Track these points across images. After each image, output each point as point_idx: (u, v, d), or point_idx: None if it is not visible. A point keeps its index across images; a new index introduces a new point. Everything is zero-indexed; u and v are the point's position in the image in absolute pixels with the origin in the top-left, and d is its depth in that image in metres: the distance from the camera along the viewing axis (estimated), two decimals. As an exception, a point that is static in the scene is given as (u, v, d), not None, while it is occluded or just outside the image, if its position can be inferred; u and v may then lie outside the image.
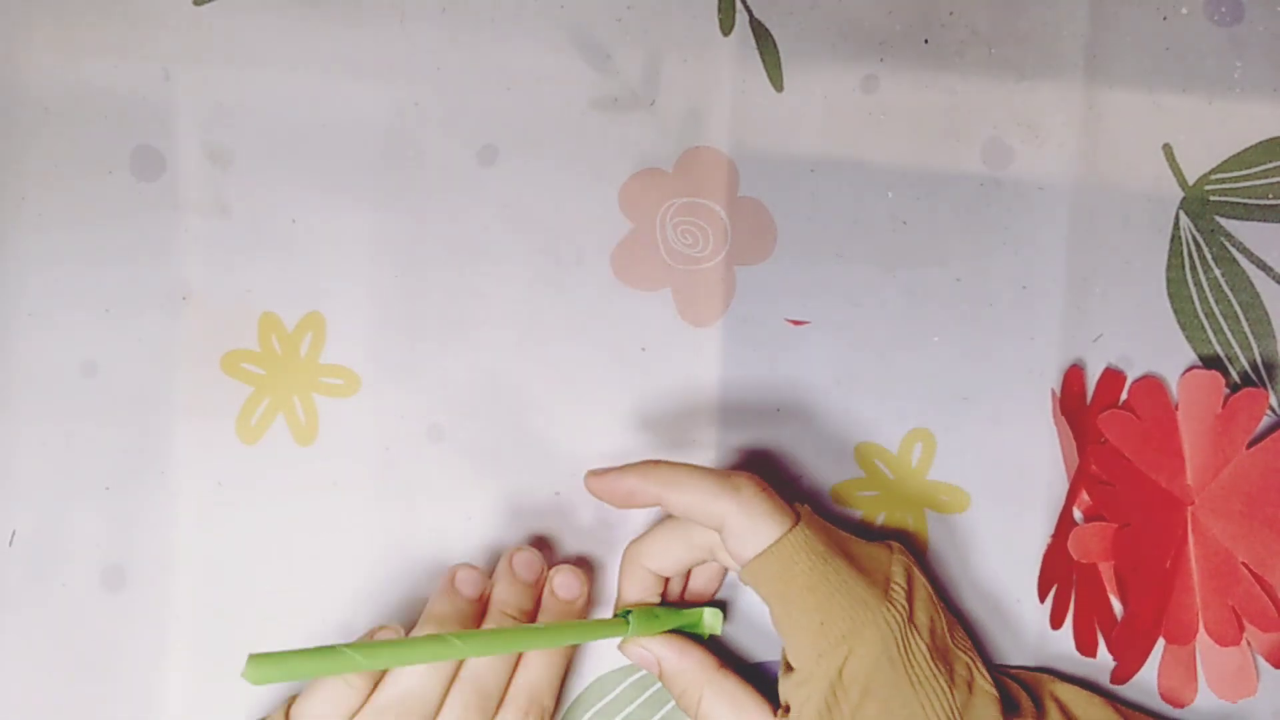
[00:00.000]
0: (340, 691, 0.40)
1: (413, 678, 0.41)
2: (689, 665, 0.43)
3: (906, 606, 0.41)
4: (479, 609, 0.43)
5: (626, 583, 0.45)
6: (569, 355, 0.47)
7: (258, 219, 0.47)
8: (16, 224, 0.47)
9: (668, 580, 0.45)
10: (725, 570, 0.46)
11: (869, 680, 0.40)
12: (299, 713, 0.41)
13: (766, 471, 0.47)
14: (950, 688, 0.41)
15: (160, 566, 0.47)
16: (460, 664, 0.42)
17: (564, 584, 0.44)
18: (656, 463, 0.42)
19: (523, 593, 0.43)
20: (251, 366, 0.47)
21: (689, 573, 0.46)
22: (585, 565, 0.47)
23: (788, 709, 0.41)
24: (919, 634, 0.41)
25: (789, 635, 0.41)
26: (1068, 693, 0.44)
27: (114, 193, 0.47)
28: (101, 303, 0.47)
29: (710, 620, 0.46)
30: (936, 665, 0.41)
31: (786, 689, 0.41)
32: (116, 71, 0.46)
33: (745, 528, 0.41)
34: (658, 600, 0.45)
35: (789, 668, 0.42)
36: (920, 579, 0.43)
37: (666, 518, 0.44)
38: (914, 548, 0.47)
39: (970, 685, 0.41)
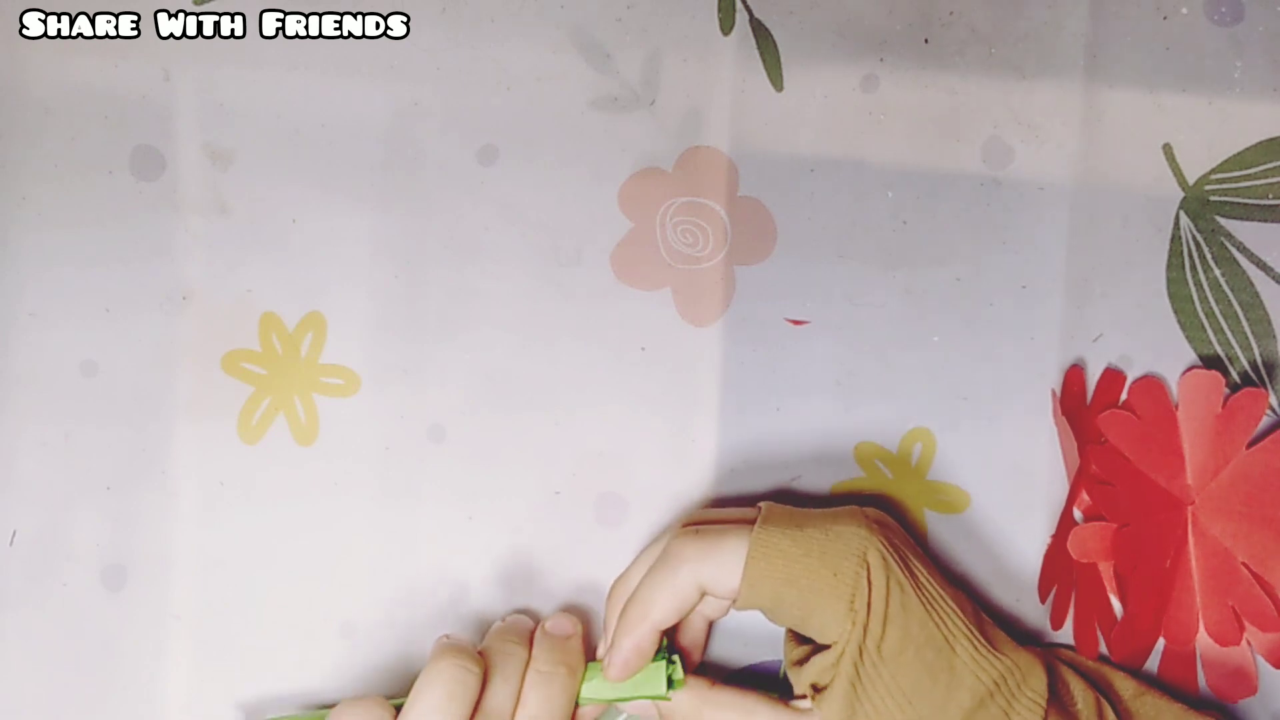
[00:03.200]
0: None
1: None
2: (682, 696, 0.43)
3: (889, 540, 0.42)
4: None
5: (626, 642, 0.43)
6: (569, 355, 0.47)
7: (258, 219, 0.47)
8: (16, 224, 0.47)
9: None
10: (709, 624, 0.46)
11: (887, 605, 0.40)
12: None
13: (767, 471, 0.47)
14: (959, 610, 0.41)
15: (160, 566, 0.47)
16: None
17: (556, 623, 0.44)
18: (623, 608, 0.42)
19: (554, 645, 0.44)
20: (252, 366, 0.47)
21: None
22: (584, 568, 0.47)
23: (815, 689, 0.41)
24: (914, 559, 0.42)
25: (812, 611, 0.41)
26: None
27: (114, 193, 0.47)
28: (101, 303, 0.47)
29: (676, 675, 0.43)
30: (943, 588, 0.41)
31: (815, 669, 0.41)
32: (116, 71, 0.46)
33: (716, 571, 0.41)
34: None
35: (807, 653, 0.42)
36: (893, 523, 0.43)
37: (654, 571, 0.43)
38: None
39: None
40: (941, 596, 0.41)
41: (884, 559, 0.41)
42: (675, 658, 0.43)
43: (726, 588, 0.41)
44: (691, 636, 0.45)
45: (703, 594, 0.42)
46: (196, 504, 0.47)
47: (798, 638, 0.44)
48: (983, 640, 0.41)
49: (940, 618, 0.41)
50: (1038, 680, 0.41)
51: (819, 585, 0.40)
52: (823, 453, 0.47)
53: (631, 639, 0.42)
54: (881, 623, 0.40)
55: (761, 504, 0.44)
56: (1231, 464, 0.43)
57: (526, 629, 0.44)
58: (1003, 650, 0.41)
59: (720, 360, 0.47)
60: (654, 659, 0.43)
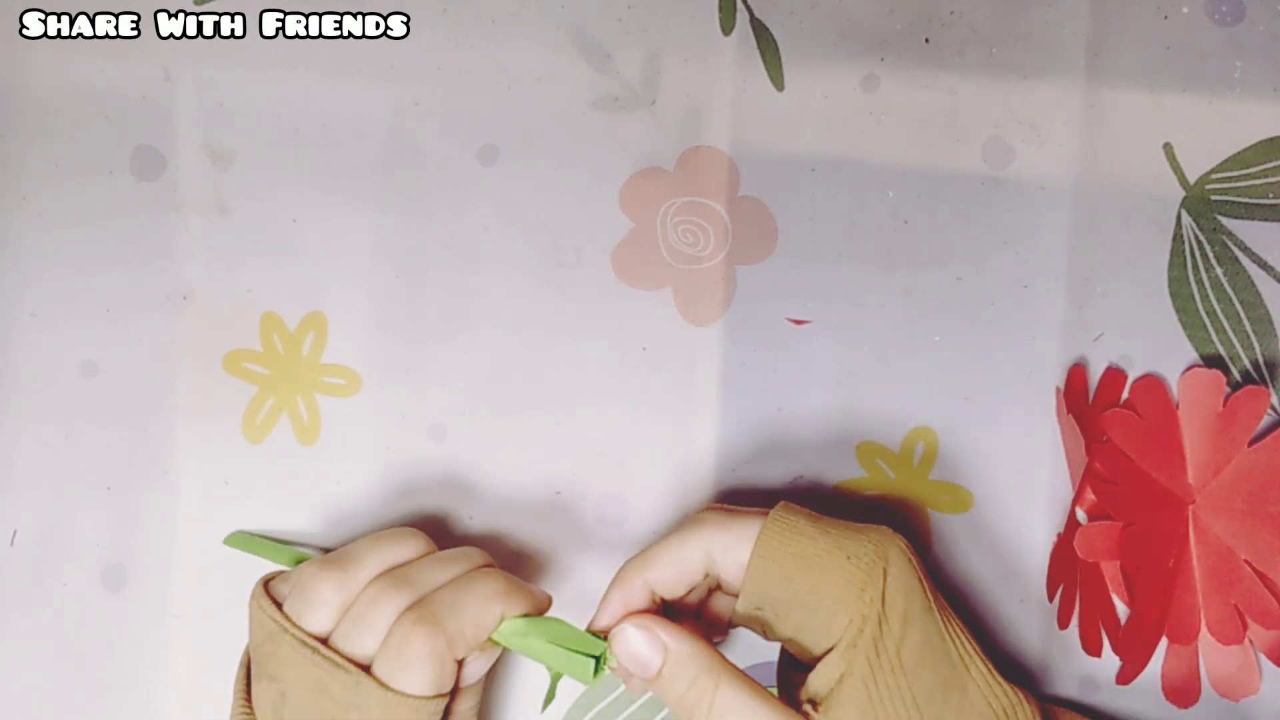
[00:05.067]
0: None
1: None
2: (701, 654, 0.39)
3: (914, 550, 0.41)
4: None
5: (614, 594, 0.41)
6: (569, 355, 0.47)
7: (258, 219, 0.47)
8: (17, 224, 0.46)
9: (662, 602, 0.42)
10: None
11: (907, 606, 0.39)
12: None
13: (767, 472, 0.47)
14: (970, 634, 0.40)
15: (161, 566, 0.47)
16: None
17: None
18: (623, 568, 0.41)
19: None
20: (255, 366, 0.47)
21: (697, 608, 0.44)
22: (584, 561, 0.47)
23: (814, 704, 0.39)
24: (928, 578, 0.41)
25: (819, 598, 0.39)
26: None
27: (114, 193, 0.47)
28: (102, 303, 0.47)
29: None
30: (952, 615, 0.40)
31: (821, 675, 0.39)
32: (116, 71, 0.46)
33: (729, 537, 0.40)
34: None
35: (811, 658, 0.40)
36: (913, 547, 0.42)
37: (667, 535, 0.42)
38: (917, 548, 0.47)
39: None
40: (953, 615, 0.41)
41: (906, 558, 0.40)
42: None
43: (736, 559, 0.40)
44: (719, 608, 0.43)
45: (706, 569, 0.40)
46: (197, 504, 0.47)
47: (794, 666, 0.42)
48: (993, 668, 0.40)
49: (954, 634, 0.40)
50: None
51: (830, 567, 0.39)
52: (824, 452, 0.47)
53: (620, 592, 0.41)
54: (902, 622, 0.39)
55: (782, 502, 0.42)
56: (1233, 462, 0.43)
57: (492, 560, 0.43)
58: (1009, 685, 0.40)
59: (721, 360, 0.47)
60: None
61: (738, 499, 0.47)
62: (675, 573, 0.41)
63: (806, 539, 0.40)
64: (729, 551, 0.40)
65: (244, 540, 0.46)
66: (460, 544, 0.47)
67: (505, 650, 0.42)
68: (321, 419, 0.47)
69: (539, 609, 0.42)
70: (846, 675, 0.38)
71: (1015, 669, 0.47)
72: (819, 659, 0.39)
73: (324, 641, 0.40)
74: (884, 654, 0.38)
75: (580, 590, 0.47)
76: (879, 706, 0.38)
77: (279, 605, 0.41)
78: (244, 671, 0.43)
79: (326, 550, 0.46)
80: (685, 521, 0.42)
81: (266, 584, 0.42)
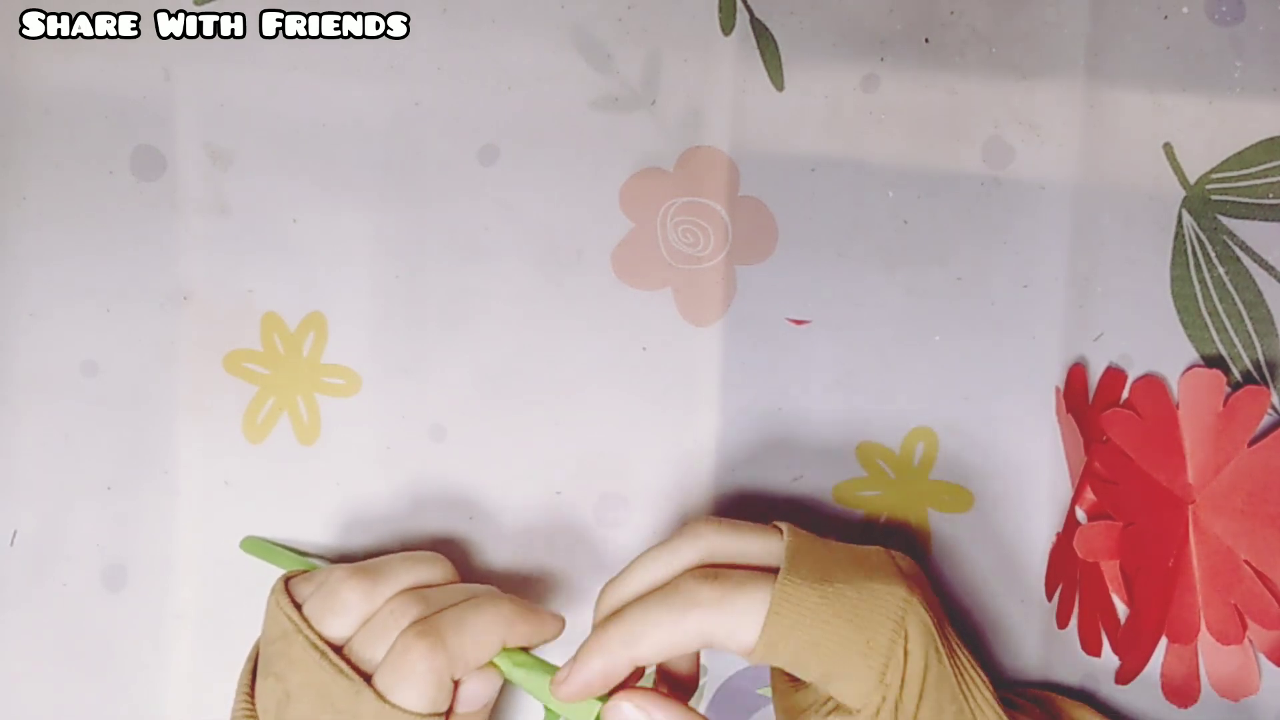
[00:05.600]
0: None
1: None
2: None
3: (926, 600, 0.39)
4: None
5: (596, 662, 0.39)
6: (569, 355, 0.47)
7: (258, 219, 0.47)
8: (17, 223, 0.46)
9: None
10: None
11: (923, 680, 0.37)
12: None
13: (767, 472, 0.47)
14: (984, 678, 0.39)
15: (161, 566, 0.47)
16: None
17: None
18: (604, 625, 0.39)
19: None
20: (255, 366, 0.47)
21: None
22: (584, 562, 0.47)
23: None
24: (944, 619, 0.40)
25: (839, 679, 0.37)
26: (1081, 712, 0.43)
27: (114, 193, 0.47)
28: (102, 302, 0.47)
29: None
30: (965, 650, 0.39)
31: None
32: (116, 71, 0.46)
33: (729, 622, 0.37)
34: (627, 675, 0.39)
35: (809, 702, 0.39)
36: (920, 572, 0.41)
37: (655, 606, 0.39)
38: (917, 548, 0.47)
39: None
40: (970, 664, 0.39)
41: (925, 628, 0.38)
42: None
43: (740, 643, 0.37)
44: (685, 667, 0.42)
45: (705, 646, 0.38)
46: (197, 504, 0.47)
47: (790, 678, 0.42)
48: (1005, 714, 0.39)
49: (969, 689, 0.39)
50: None
51: (848, 653, 0.37)
52: (824, 452, 0.47)
53: (603, 661, 0.38)
54: (917, 698, 0.37)
55: (782, 527, 0.40)
56: (1233, 462, 0.43)
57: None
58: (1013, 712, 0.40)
59: (721, 360, 0.47)
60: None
61: (738, 499, 0.47)
62: (666, 655, 0.38)
63: (818, 621, 0.37)
64: (731, 637, 0.37)
65: (258, 546, 0.46)
66: (461, 544, 0.47)
67: (508, 684, 0.42)
68: (321, 419, 0.47)
69: (551, 634, 0.42)
70: None
71: (1015, 669, 0.47)
72: (819, 697, 0.39)
73: (339, 649, 0.40)
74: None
75: (580, 590, 0.47)
76: None
77: (298, 606, 0.41)
78: (250, 665, 0.43)
79: (340, 561, 0.46)
80: (677, 591, 0.38)
81: (288, 581, 0.43)
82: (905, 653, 0.37)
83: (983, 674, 0.40)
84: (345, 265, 0.47)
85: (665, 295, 0.47)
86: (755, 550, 0.40)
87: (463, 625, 0.40)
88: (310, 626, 0.40)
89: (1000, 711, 0.39)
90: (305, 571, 0.43)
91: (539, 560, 0.47)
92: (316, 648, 0.40)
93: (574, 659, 0.39)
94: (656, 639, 0.38)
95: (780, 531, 0.40)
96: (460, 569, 0.47)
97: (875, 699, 0.37)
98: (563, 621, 0.43)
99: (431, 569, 0.43)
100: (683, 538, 0.40)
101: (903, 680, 0.37)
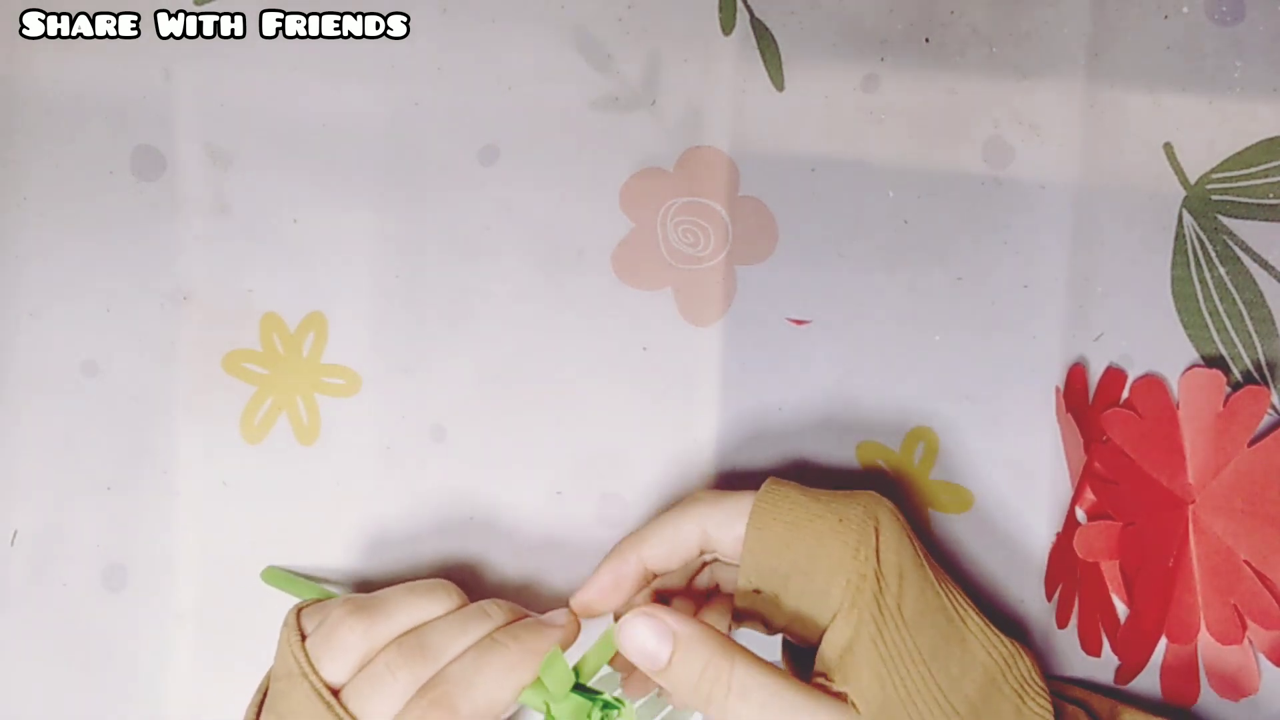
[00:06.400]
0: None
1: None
2: (711, 637, 0.37)
3: (901, 511, 0.41)
4: None
5: (606, 567, 0.42)
6: (569, 355, 0.47)
7: (258, 219, 0.47)
8: (17, 223, 0.46)
9: (654, 580, 0.43)
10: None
11: (900, 561, 0.39)
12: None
13: (768, 471, 0.47)
14: (961, 589, 0.41)
15: (162, 566, 0.47)
16: None
17: (551, 615, 0.42)
18: (617, 545, 0.42)
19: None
20: (254, 366, 0.47)
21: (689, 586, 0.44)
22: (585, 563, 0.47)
23: (826, 677, 0.38)
24: (925, 551, 0.41)
25: (817, 558, 0.39)
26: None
27: (114, 193, 0.47)
28: (102, 303, 0.47)
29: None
30: (944, 572, 0.41)
31: (831, 640, 0.38)
32: (116, 71, 0.46)
33: (722, 513, 0.41)
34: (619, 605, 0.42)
35: (815, 635, 0.40)
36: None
37: (660, 514, 0.43)
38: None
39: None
40: (946, 574, 0.41)
41: (895, 517, 0.40)
42: (620, 703, 0.40)
43: (732, 535, 0.40)
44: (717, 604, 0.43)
45: (701, 548, 0.41)
46: (198, 504, 0.47)
47: (795, 666, 0.42)
48: (988, 620, 0.40)
49: (948, 588, 0.40)
50: (1039, 673, 0.40)
51: (823, 530, 0.39)
52: (825, 452, 0.47)
53: (612, 565, 0.41)
54: (898, 578, 0.39)
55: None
56: (1232, 462, 0.43)
57: (517, 609, 0.43)
58: (1005, 636, 0.41)
59: (721, 360, 0.47)
60: (592, 699, 0.40)
61: (738, 499, 0.47)
62: (670, 549, 0.41)
63: (798, 506, 0.40)
64: (723, 527, 0.41)
65: (278, 577, 0.46)
66: (461, 545, 0.47)
67: None
68: (321, 419, 0.47)
69: (566, 640, 0.42)
70: (855, 638, 0.38)
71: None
72: (823, 634, 0.39)
73: (336, 693, 0.40)
74: (886, 611, 0.38)
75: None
76: (890, 666, 0.37)
77: (304, 637, 0.41)
78: (259, 698, 0.42)
79: (361, 587, 0.46)
80: (678, 502, 0.42)
81: (300, 612, 0.42)
82: (876, 533, 0.39)
83: (959, 586, 0.41)
84: (345, 265, 0.47)
85: (665, 295, 0.47)
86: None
87: (474, 685, 0.39)
88: (315, 671, 0.40)
89: (982, 615, 0.40)
90: (318, 601, 0.43)
91: (539, 560, 0.47)
92: (322, 699, 0.39)
93: (589, 579, 0.42)
94: (661, 536, 0.41)
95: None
96: (460, 569, 0.47)
97: (854, 575, 0.38)
98: (572, 620, 0.42)
99: (435, 601, 0.42)
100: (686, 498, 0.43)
101: (878, 558, 0.39)
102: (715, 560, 0.43)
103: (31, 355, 0.47)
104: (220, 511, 0.47)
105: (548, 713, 0.40)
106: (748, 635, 0.43)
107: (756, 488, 0.44)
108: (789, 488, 0.41)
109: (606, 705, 0.40)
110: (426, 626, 0.41)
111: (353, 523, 0.47)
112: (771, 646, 0.43)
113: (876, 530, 0.39)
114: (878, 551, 0.39)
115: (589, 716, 0.39)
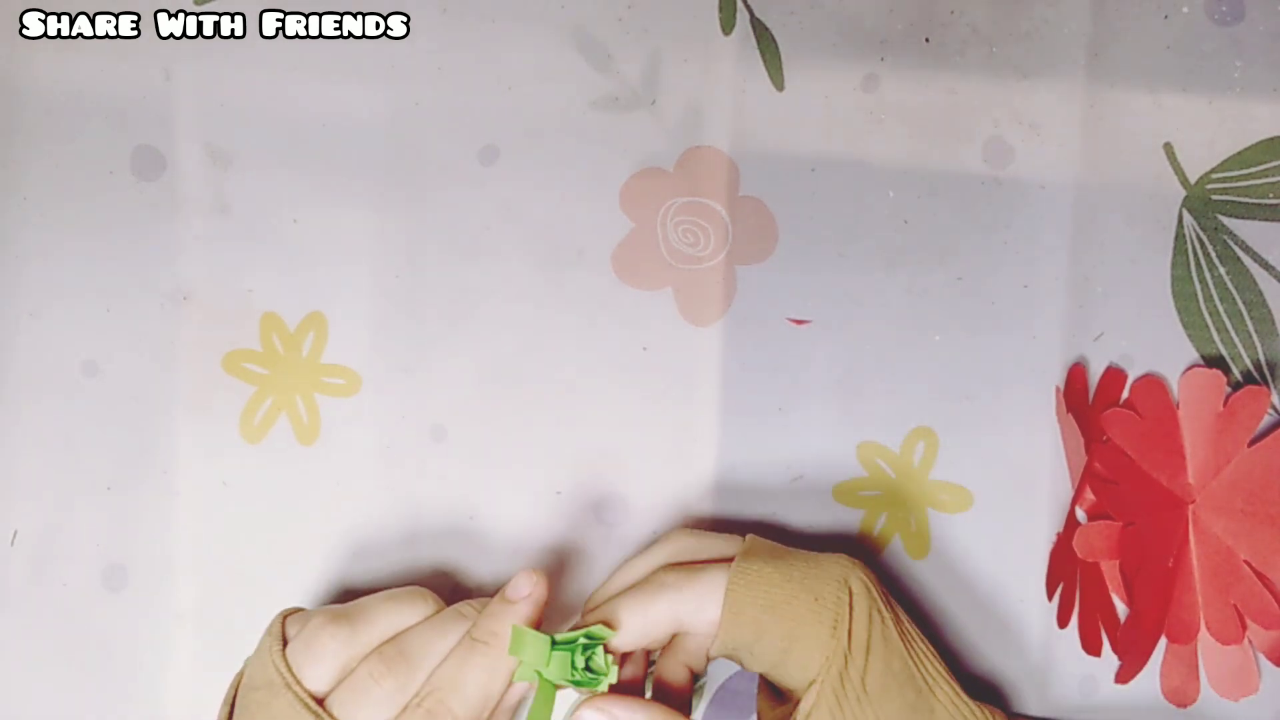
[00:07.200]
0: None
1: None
2: None
3: (872, 575, 0.41)
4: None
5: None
6: (570, 355, 0.47)
7: (258, 219, 0.47)
8: (17, 223, 0.46)
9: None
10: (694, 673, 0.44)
11: (868, 635, 0.40)
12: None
13: (767, 472, 0.47)
14: (936, 654, 0.41)
15: (162, 566, 0.47)
16: None
17: (513, 584, 0.42)
18: (584, 620, 0.41)
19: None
20: (254, 366, 0.47)
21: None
22: (585, 564, 0.47)
23: None
24: (893, 603, 0.41)
25: (794, 641, 0.40)
26: None
27: (114, 193, 0.47)
28: (102, 302, 0.47)
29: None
30: (918, 631, 0.41)
31: (800, 714, 0.39)
32: (116, 71, 0.46)
33: (695, 599, 0.40)
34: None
35: (787, 713, 0.40)
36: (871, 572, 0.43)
37: (626, 596, 0.42)
38: (917, 548, 0.47)
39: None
40: (920, 637, 0.41)
41: (867, 587, 0.41)
42: (597, 646, 0.40)
43: (706, 618, 0.40)
44: (679, 682, 0.43)
45: (674, 631, 0.41)
46: (198, 504, 0.47)
47: (772, 696, 0.43)
48: (960, 688, 0.41)
49: (918, 658, 0.41)
50: None
51: (800, 612, 0.40)
52: (824, 452, 0.47)
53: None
54: (864, 652, 0.40)
55: (747, 536, 0.43)
56: (1233, 462, 0.43)
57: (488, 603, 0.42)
58: (976, 703, 0.41)
59: (721, 360, 0.47)
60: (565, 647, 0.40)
61: (738, 499, 0.47)
62: (640, 636, 0.41)
63: (773, 587, 0.40)
64: (698, 613, 0.41)
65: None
66: (460, 545, 0.47)
67: None
68: (321, 419, 0.47)
69: (533, 613, 0.41)
70: (814, 709, 0.39)
71: (1014, 669, 0.47)
72: (796, 699, 0.40)
73: (320, 702, 0.40)
74: (849, 683, 0.39)
75: (580, 591, 0.47)
76: None
77: (286, 644, 0.41)
78: (226, 711, 0.42)
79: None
80: (647, 581, 0.41)
81: (285, 619, 0.42)
82: (850, 607, 0.40)
83: (938, 656, 0.41)
84: (345, 265, 0.47)
85: (665, 295, 0.47)
86: (720, 548, 0.43)
87: (463, 686, 0.39)
88: (298, 681, 0.40)
89: (954, 684, 0.41)
90: (301, 610, 0.43)
91: (539, 560, 0.47)
92: (309, 709, 0.39)
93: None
94: (633, 626, 0.40)
95: (744, 540, 0.43)
96: (460, 569, 0.47)
97: (832, 657, 0.39)
98: (538, 583, 0.41)
99: (414, 608, 0.42)
100: (656, 544, 0.44)
101: (850, 634, 0.39)
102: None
103: (31, 355, 0.47)
104: (220, 511, 0.47)
105: (541, 679, 0.40)
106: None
107: (756, 491, 0.44)
108: (760, 562, 0.41)
109: (589, 637, 0.40)
110: (406, 634, 0.41)
111: (353, 522, 0.47)
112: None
113: (850, 604, 0.40)
114: (850, 628, 0.40)
115: (574, 666, 0.40)
